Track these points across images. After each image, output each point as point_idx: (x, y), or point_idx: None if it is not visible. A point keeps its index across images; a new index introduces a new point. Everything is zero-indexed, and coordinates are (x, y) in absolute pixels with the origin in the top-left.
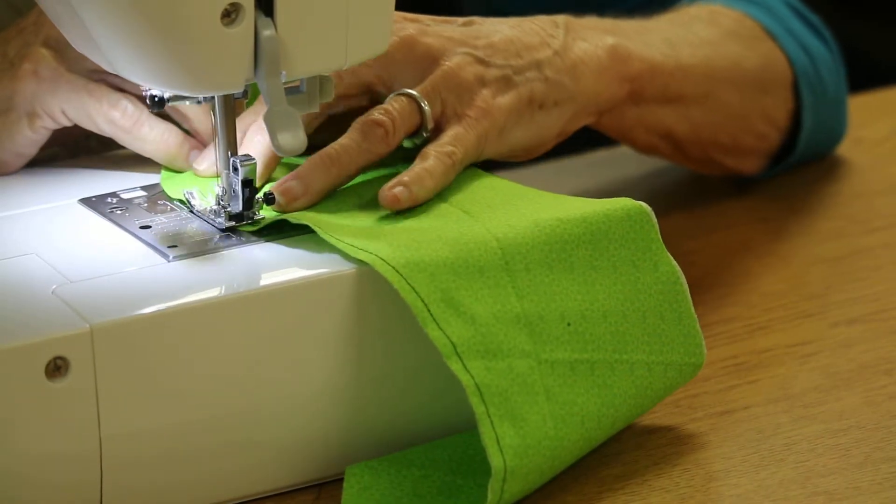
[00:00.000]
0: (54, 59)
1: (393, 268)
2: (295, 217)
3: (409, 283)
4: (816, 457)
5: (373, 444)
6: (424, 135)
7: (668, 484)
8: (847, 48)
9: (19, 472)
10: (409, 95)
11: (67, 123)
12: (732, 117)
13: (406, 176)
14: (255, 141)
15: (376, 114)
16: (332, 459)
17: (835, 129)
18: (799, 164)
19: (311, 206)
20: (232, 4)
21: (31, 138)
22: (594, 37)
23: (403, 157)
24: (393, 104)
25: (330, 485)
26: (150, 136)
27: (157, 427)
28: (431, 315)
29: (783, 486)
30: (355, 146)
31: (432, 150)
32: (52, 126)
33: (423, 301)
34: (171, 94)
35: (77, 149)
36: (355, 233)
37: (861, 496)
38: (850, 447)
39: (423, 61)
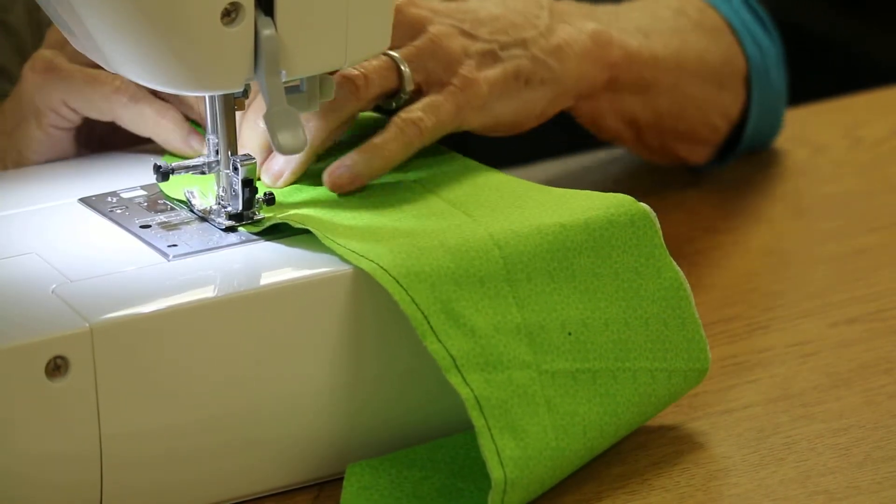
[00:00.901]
0: (52, 56)
1: (393, 278)
2: (296, 220)
3: (409, 294)
4: (816, 456)
5: (373, 443)
6: (403, 97)
7: (667, 483)
8: (847, 48)
9: (19, 471)
10: (388, 55)
11: (73, 118)
12: (693, 108)
13: (355, 153)
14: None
15: (348, 69)
16: (332, 459)
17: (774, 125)
18: (738, 156)
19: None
20: (232, 4)
21: (44, 142)
22: (577, 21)
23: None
24: (369, 61)
25: (330, 484)
26: (147, 111)
27: (157, 426)
28: (431, 328)
29: (783, 485)
30: (326, 108)
31: (399, 117)
32: (61, 124)
33: (422, 313)
34: (177, 164)
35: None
36: (356, 235)
37: (861, 495)
38: (850, 446)
39: (408, 29)
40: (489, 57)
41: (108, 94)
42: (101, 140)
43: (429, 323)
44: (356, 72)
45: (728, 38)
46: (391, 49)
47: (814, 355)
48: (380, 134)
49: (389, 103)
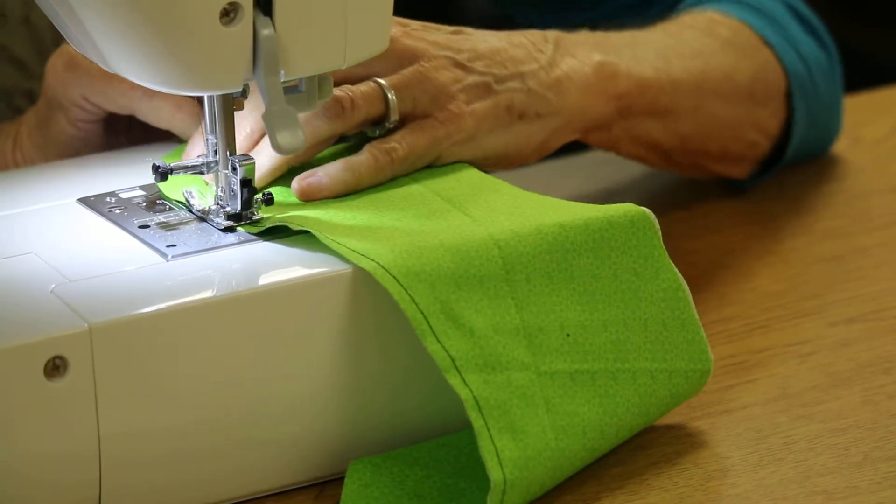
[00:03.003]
0: (74, 52)
1: (393, 277)
2: (296, 223)
3: (408, 294)
4: (815, 456)
5: (373, 442)
6: (388, 125)
7: (666, 483)
8: (847, 48)
9: (18, 471)
10: (377, 82)
11: (97, 111)
12: (722, 128)
13: (328, 166)
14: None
15: (335, 91)
16: (333, 458)
17: (826, 133)
18: (789, 166)
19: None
20: (231, 3)
21: (76, 136)
22: (582, 53)
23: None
24: (358, 86)
25: (331, 483)
26: (163, 105)
27: (156, 426)
28: (431, 328)
29: (782, 485)
30: (308, 124)
31: (373, 145)
32: (86, 117)
33: (422, 313)
34: (175, 164)
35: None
36: (356, 234)
37: (859, 495)
38: (849, 446)
39: (401, 60)
40: (482, 89)
41: (125, 89)
42: (142, 128)
43: (428, 323)
44: (343, 94)
45: (764, 55)
46: (380, 77)
47: (813, 355)
48: (354, 156)
49: (374, 130)
